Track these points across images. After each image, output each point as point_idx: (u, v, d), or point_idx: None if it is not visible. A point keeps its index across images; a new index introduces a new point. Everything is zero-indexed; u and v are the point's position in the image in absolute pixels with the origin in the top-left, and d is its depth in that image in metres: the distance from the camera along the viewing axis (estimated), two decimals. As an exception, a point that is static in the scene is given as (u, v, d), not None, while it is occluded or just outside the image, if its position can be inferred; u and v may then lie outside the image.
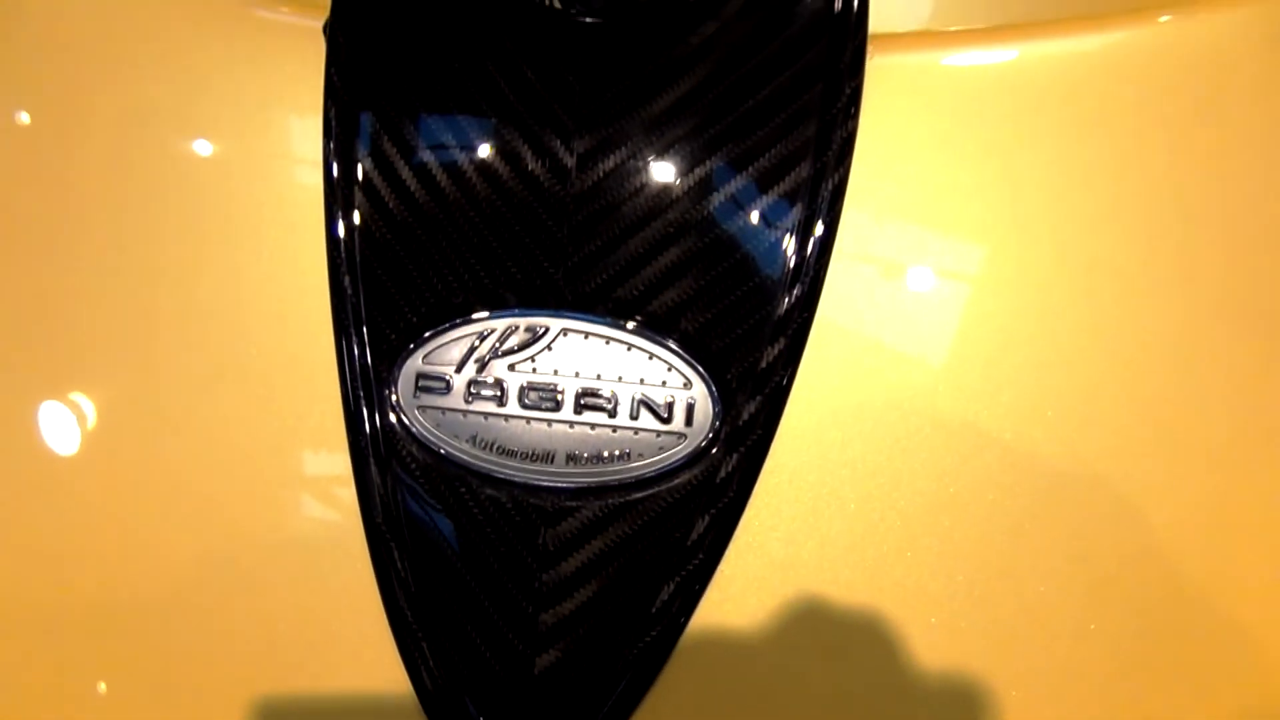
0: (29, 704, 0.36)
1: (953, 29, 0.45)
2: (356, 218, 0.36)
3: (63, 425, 0.37)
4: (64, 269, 0.39)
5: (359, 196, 0.36)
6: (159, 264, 0.38)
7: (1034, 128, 0.40)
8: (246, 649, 0.36)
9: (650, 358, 0.36)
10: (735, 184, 0.36)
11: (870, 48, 0.38)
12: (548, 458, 0.36)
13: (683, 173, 0.36)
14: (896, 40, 0.40)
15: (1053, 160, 0.39)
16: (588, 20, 0.37)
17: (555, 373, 0.36)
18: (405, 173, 0.36)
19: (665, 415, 0.36)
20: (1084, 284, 0.38)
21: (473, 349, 0.36)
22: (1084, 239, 0.39)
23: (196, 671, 0.36)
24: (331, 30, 0.38)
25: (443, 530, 0.36)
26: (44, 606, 0.37)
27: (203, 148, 0.39)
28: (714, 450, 0.35)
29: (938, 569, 0.36)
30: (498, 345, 0.36)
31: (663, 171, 0.36)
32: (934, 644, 0.36)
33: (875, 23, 0.42)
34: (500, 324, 0.36)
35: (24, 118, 0.40)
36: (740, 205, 0.36)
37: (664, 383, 0.36)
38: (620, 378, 0.36)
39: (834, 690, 0.35)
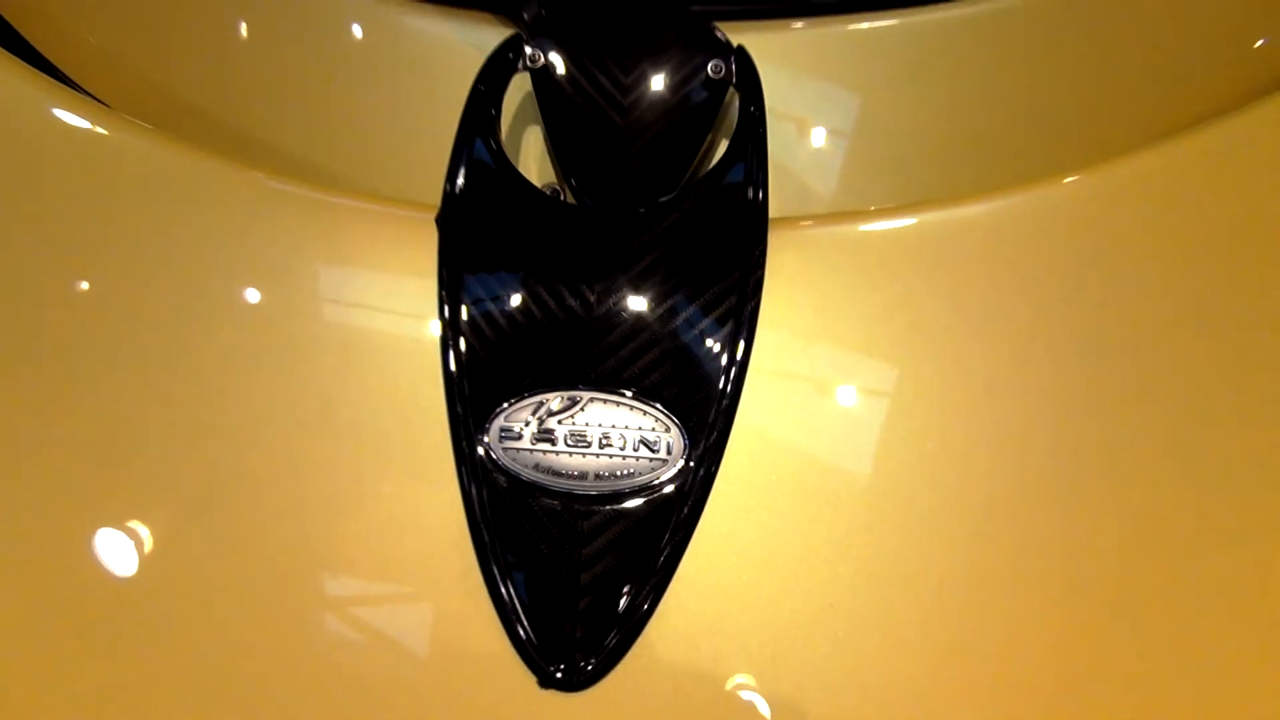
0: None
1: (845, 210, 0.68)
2: (463, 341, 0.58)
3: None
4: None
5: (464, 327, 0.58)
6: (319, 378, 0.59)
7: (914, 276, 0.61)
8: (374, 606, 0.54)
9: (644, 414, 0.56)
10: (690, 311, 0.58)
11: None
12: (583, 477, 0.56)
13: (657, 304, 0.58)
14: (794, 220, 0.62)
15: (929, 294, 0.60)
16: (593, 211, 0.60)
17: (586, 424, 0.56)
18: (493, 310, 0.58)
19: (655, 448, 0.56)
20: (963, 397, 0.59)
21: (535, 411, 0.57)
22: (958, 361, 0.59)
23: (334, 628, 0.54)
24: (441, 222, 0.60)
25: (518, 525, 0.56)
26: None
27: (350, 311, 0.60)
28: (686, 469, 0.56)
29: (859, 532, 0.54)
30: (550, 409, 0.57)
31: (645, 304, 0.58)
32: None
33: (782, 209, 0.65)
34: (551, 396, 0.57)
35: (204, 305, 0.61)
36: (693, 324, 0.58)
37: (653, 429, 0.56)
38: (626, 426, 0.56)
39: (792, 611, 0.53)
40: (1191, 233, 0.63)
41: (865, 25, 0.74)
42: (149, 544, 0.57)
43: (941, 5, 0.75)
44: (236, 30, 0.79)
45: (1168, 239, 0.63)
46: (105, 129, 0.65)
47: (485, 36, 0.72)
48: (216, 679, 0.54)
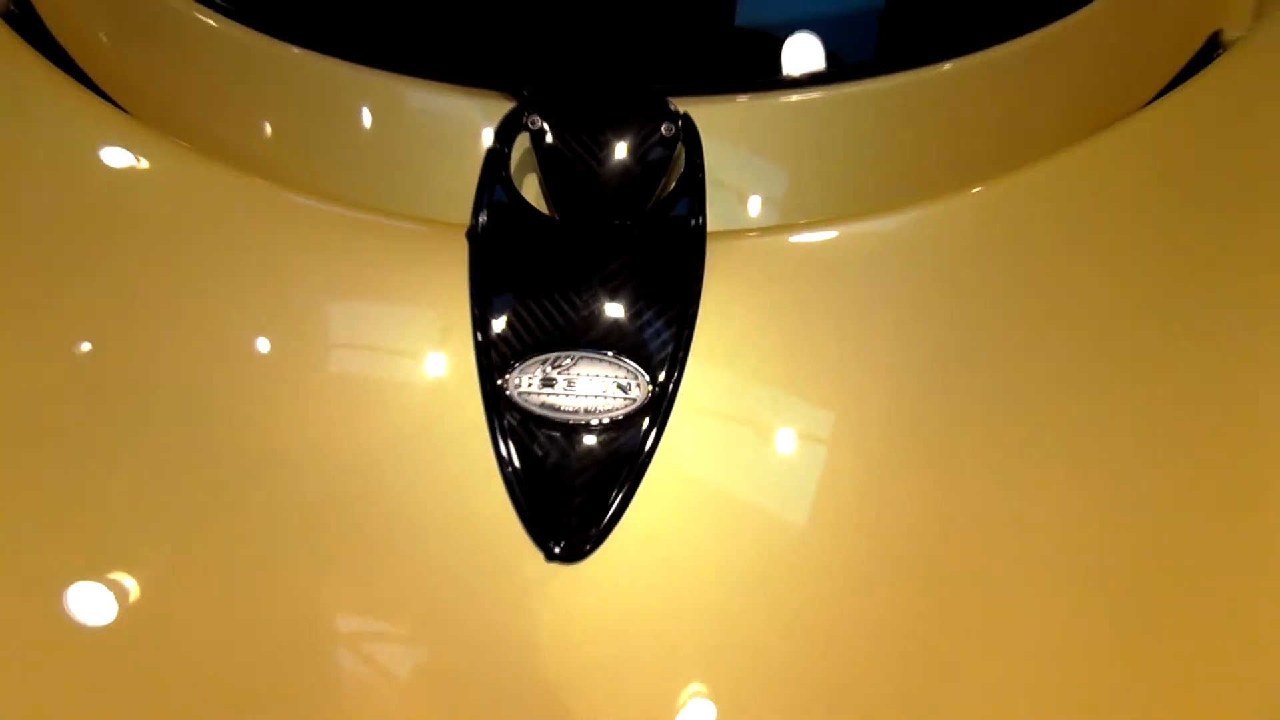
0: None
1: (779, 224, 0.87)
2: (489, 319, 0.80)
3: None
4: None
5: (489, 309, 0.80)
6: (366, 375, 0.80)
7: (838, 293, 0.83)
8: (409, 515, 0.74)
9: (619, 367, 0.78)
10: (651, 296, 0.80)
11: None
12: (575, 411, 0.77)
13: (628, 292, 0.80)
14: (727, 233, 0.85)
15: (852, 310, 0.82)
16: (580, 229, 0.83)
17: (577, 374, 0.77)
18: (510, 297, 0.80)
19: (627, 391, 0.77)
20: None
21: (540, 366, 0.78)
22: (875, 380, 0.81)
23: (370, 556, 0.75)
24: (471, 236, 0.83)
25: (527, 446, 0.76)
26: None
27: (398, 304, 0.82)
28: (650, 404, 0.77)
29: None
30: (551, 364, 0.78)
31: (618, 292, 0.80)
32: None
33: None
34: (552, 355, 0.78)
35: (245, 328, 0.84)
36: (653, 305, 0.80)
37: (625, 377, 0.78)
38: (606, 375, 0.78)
39: (727, 499, 0.74)
40: (1087, 236, 0.86)
41: (794, 98, 0.96)
42: (243, 487, 0.77)
43: (866, 80, 0.94)
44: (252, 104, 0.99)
45: (1074, 241, 0.85)
46: (158, 154, 0.87)
47: (491, 108, 0.94)
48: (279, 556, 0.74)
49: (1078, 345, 0.81)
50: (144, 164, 0.89)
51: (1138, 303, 0.84)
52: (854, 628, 0.73)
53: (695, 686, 0.72)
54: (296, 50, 0.97)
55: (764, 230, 0.85)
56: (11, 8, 1.07)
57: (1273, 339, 0.83)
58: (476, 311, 0.80)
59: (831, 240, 0.84)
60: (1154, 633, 0.74)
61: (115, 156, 0.90)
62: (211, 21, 0.99)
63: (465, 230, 0.83)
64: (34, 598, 0.73)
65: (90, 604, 0.73)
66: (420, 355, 0.80)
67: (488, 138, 0.89)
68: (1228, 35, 1.05)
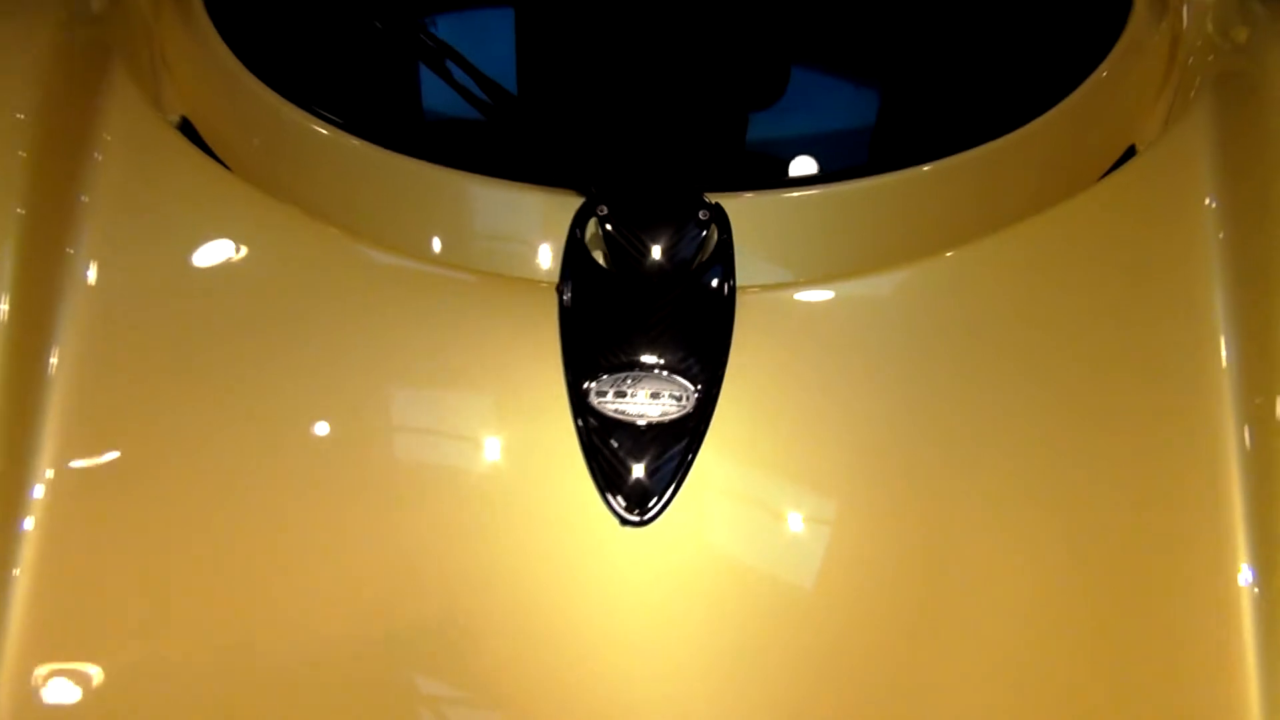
0: None
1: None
2: (574, 350, 1.06)
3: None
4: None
5: (574, 343, 1.06)
6: (466, 415, 1.06)
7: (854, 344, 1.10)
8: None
9: (671, 381, 1.03)
10: (696, 334, 1.07)
11: None
12: (642, 415, 1.02)
13: (679, 331, 1.06)
14: (757, 289, 1.11)
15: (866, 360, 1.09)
16: (637, 284, 1.10)
17: (641, 388, 1.03)
18: (589, 333, 1.06)
19: (680, 398, 1.03)
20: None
21: (613, 382, 1.03)
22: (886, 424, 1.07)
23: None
24: (560, 290, 1.09)
25: (606, 441, 1.01)
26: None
27: (503, 342, 1.08)
28: (697, 409, 1.02)
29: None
30: (623, 381, 1.04)
31: (672, 330, 1.06)
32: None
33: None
34: (622, 374, 1.04)
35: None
36: (698, 338, 1.06)
37: (677, 390, 1.03)
38: (664, 389, 1.03)
39: (765, 476, 1.00)
40: (1054, 296, 1.12)
41: (804, 193, 1.19)
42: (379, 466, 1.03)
43: (858, 180, 1.19)
44: None
45: (1058, 292, 1.11)
46: (317, 238, 1.15)
47: (566, 201, 1.20)
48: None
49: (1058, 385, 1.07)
50: (305, 246, 1.17)
51: (1066, 353, 1.11)
52: (873, 579, 0.98)
53: (739, 623, 0.96)
54: (409, 160, 1.23)
55: (780, 286, 1.12)
56: (180, 121, 1.35)
57: (1160, 381, 1.09)
58: (565, 344, 1.06)
59: (833, 293, 1.12)
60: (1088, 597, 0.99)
61: (277, 238, 1.18)
62: (324, 131, 1.25)
63: (555, 286, 1.10)
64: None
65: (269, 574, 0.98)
66: (524, 378, 1.06)
67: (565, 221, 1.16)
68: (1141, 147, 1.33)
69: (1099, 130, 1.33)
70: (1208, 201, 1.20)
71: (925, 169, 1.21)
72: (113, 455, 1.07)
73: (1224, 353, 1.10)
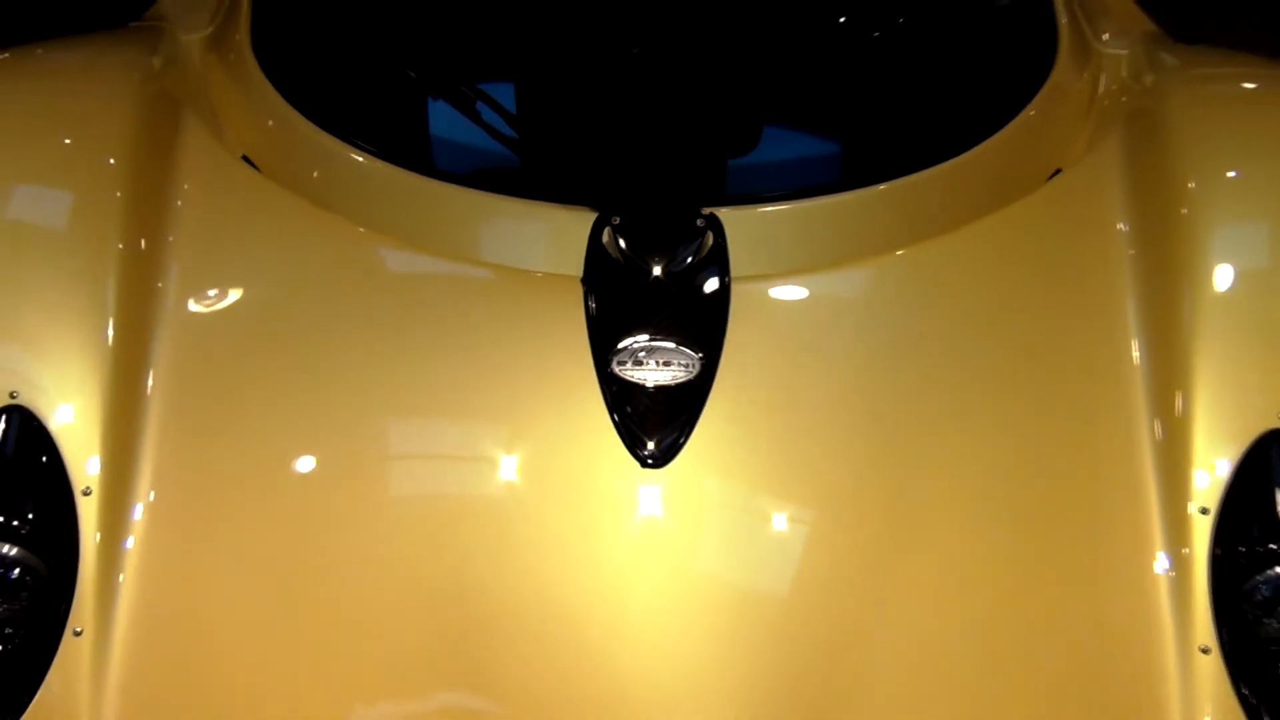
0: None
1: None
2: (599, 327, 1.27)
3: None
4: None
5: (597, 321, 1.27)
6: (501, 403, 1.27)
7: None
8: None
9: (680, 349, 1.24)
10: (696, 316, 1.29)
11: None
12: (655, 381, 1.23)
13: (681, 314, 1.28)
14: (748, 279, 1.33)
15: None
16: (647, 276, 1.32)
17: (655, 355, 1.24)
18: (610, 312, 1.28)
19: (688, 364, 1.24)
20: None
21: (633, 353, 1.24)
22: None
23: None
24: (585, 281, 1.31)
25: (626, 400, 1.22)
26: None
27: (541, 322, 1.30)
28: (701, 372, 1.23)
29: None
30: (637, 348, 1.24)
31: (675, 314, 1.28)
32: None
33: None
34: (639, 343, 1.25)
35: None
36: (698, 319, 1.28)
37: (684, 357, 1.24)
38: (674, 357, 1.24)
39: (759, 425, 1.21)
40: (1007, 291, 1.35)
41: (786, 206, 1.41)
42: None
43: (836, 194, 1.41)
44: None
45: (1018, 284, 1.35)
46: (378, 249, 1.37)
47: (584, 215, 1.41)
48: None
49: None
50: (369, 257, 1.39)
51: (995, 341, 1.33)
52: (864, 514, 1.19)
53: (739, 544, 1.17)
54: (460, 188, 1.44)
55: (766, 278, 1.35)
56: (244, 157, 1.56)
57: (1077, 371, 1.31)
58: (590, 325, 1.27)
59: (810, 283, 1.35)
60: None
61: (342, 251, 1.40)
62: (359, 158, 1.47)
63: (580, 280, 1.32)
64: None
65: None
66: (558, 352, 1.27)
67: (585, 231, 1.37)
68: (1065, 170, 1.57)
69: (1029, 156, 1.57)
70: (1120, 225, 1.43)
71: (882, 187, 1.44)
72: (204, 461, 1.26)
73: (1135, 352, 1.31)
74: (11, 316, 1.27)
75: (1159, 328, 1.31)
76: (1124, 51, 1.78)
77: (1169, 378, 1.27)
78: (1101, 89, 1.70)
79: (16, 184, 1.40)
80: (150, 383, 1.28)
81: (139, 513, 1.20)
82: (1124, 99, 1.65)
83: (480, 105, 1.50)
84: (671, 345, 1.25)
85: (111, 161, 1.42)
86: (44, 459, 1.19)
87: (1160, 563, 1.19)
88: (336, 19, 1.81)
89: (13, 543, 1.15)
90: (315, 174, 1.50)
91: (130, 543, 1.19)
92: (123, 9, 1.98)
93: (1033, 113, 1.58)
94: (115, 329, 1.28)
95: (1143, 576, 1.18)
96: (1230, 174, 1.42)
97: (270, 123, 1.57)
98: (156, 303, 1.34)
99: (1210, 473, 1.20)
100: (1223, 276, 1.32)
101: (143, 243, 1.37)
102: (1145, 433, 1.25)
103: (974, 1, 1.88)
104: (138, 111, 1.50)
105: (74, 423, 1.21)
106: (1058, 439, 1.27)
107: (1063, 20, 1.78)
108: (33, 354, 1.24)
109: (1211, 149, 1.45)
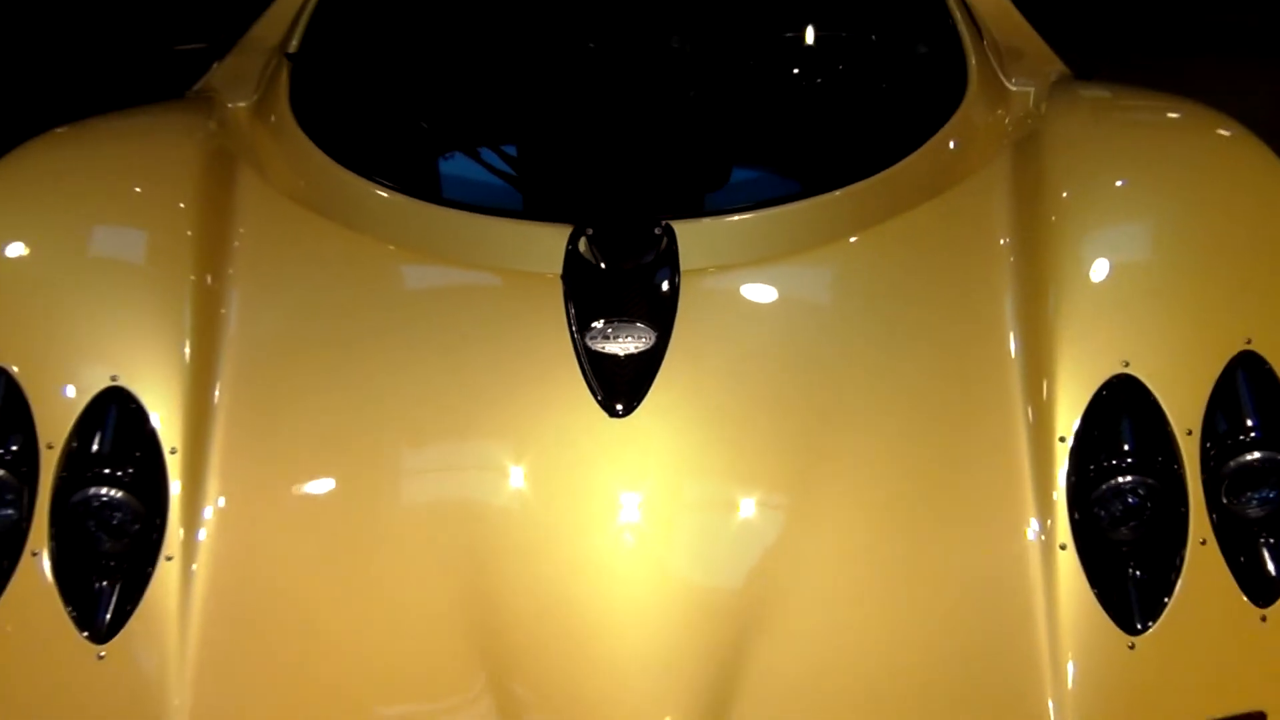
0: None
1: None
2: (572, 308, 1.58)
3: None
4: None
5: (574, 305, 1.58)
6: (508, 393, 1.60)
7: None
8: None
9: (639, 326, 1.54)
10: (653, 297, 1.60)
11: None
12: (623, 349, 1.53)
13: (640, 296, 1.60)
14: (695, 273, 1.65)
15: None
16: (616, 273, 1.64)
17: (621, 333, 1.55)
18: (587, 299, 1.59)
19: (643, 337, 1.53)
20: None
21: (603, 329, 1.55)
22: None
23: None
24: (564, 278, 1.63)
25: (600, 367, 1.51)
26: None
27: (522, 311, 1.63)
28: (657, 342, 1.53)
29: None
30: (608, 328, 1.55)
31: (636, 295, 1.60)
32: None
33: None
34: (608, 325, 1.56)
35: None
36: (653, 300, 1.59)
37: (641, 331, 1.54)
38: (635, 333, 1.54)
39: (703, 378, 1.52)
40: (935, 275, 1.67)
41: (741, 217, 1.75)
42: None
43: (785, 204, 1.75)
44: None
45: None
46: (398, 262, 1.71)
47: (560, 230, 1.73)
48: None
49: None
50: (399, 269, 1.73)
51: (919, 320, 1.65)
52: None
53: (688, 476, 1.47)
54: (463, 213, 1.78)
55: (710, 271, 1.67)
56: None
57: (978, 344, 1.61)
58: (568, 311, 1.59)
59: (746, 275, 1.66)
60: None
61: (380, 268, 1.73)
62: (384, 193, 1.81)
63: (559, 276, 1.64)
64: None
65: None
66: (543, 332, 1.59)
67: (563, 240, 1.69)
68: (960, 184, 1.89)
69: (937, 176, 1.88)
70: (1002, 240, 1.72)
71: (805, 201, 1.76)
72: (262, 430, 1.57)
73: (1011, 344, 1.61)
74: (109, 325, 1.59)
75: (1029, 327, 1.59)
76: (1031, 89, 2.11)
77: (1036, 344, 1.57)
78: (1010, 121, 2.03)
79: (105, 225, 1.74)
80: (217, 393, 1.59)
81: (212, 468, 1.52)
82: (1027, 123, 1.97)
83: (482, 149, 1.85)
84: (633, 324, 1.57)
85: (181, 206, 1.76)
86: (139, 426, 1.51)
87: (1029, 481, 1.48)
88: (360, 89, 2.20)
89: (119, 488, 1.47)
90: (346, 208, 1.84)
91: (207, 490, 1.50)
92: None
93: (940, 141, 1.90)
94: (191, 346, 1.60)
95: (1016, 492, 1.48)
96: (1095, 184, 1.73)
97: (310, 169, 1.91)
98: (222, 325, 1.65)
99: (1069, 410, 1.50)
100: (1082, 268, 1.62)
101: (209, 278, 1.68)
102: (1018, 382, 1.55)
103: (896, 51, 2.23)
104: (200, 165, 1.85)
105: (159, 400, 1.53)
106: (949, 393, 1.57)
107: (972, 63, 2.11)
108: (128, 351, 1.57)
109: (1081, 164, 1.76)
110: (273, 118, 2.06)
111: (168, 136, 1.95)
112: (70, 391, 1.53)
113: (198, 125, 1.99)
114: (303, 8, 2.42)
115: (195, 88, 2.38)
